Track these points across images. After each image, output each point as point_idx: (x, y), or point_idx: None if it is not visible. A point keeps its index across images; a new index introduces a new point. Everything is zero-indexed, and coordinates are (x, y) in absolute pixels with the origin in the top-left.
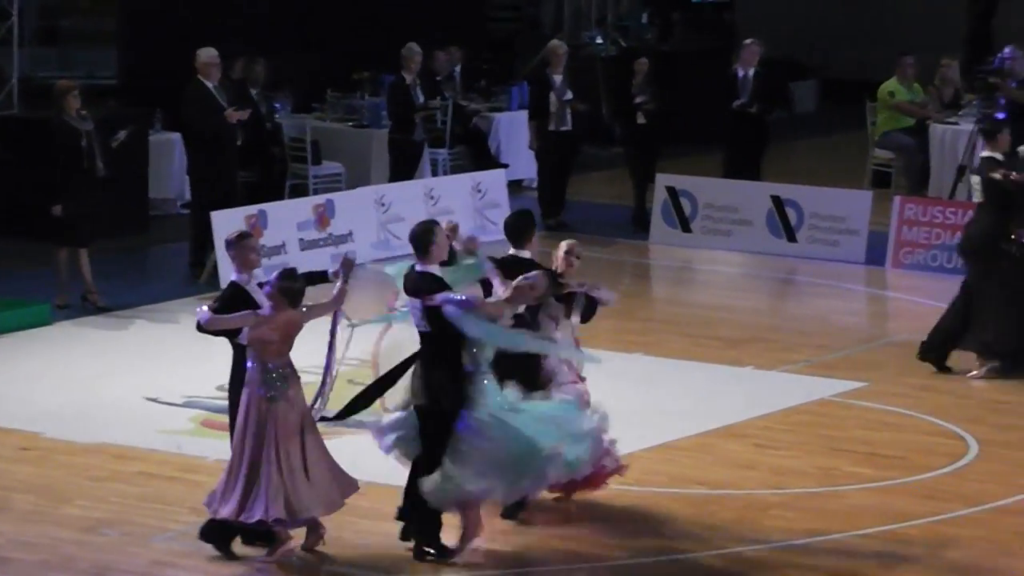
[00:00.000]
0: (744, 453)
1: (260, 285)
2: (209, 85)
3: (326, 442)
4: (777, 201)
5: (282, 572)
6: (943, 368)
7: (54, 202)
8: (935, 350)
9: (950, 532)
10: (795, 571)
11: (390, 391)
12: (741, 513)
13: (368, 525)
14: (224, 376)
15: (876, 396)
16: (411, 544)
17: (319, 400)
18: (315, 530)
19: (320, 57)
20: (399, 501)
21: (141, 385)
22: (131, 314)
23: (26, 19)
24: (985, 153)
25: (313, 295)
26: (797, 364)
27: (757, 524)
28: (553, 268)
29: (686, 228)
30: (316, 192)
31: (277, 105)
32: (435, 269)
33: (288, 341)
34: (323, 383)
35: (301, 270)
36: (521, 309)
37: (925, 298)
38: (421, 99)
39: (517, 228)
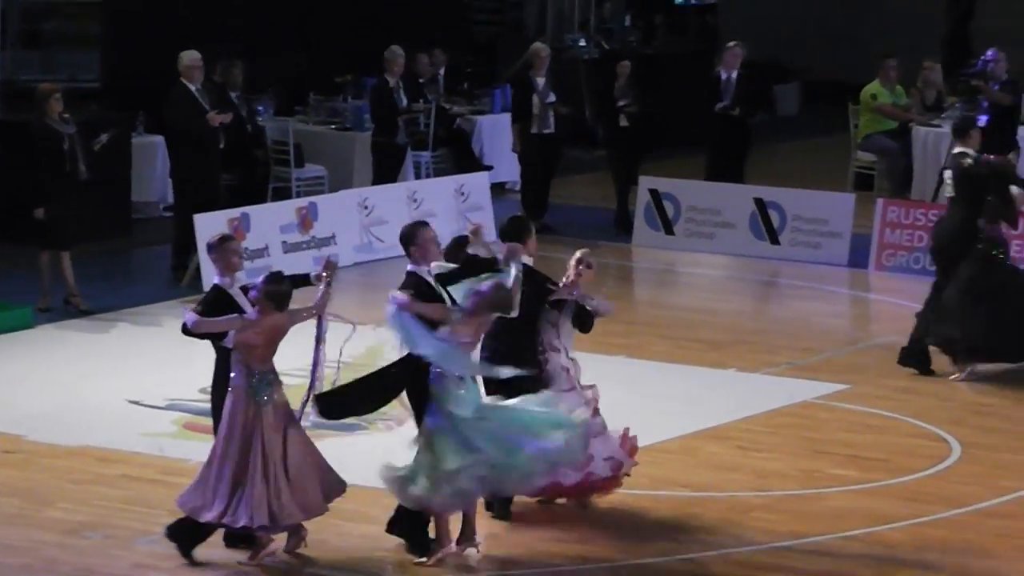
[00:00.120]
0: (727, 455)
1: (245, 289)
2: (192, 88)
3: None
4: (760, 204)
5: (265, 574)
6: (926, 371)
7: (36, 205)
8: (915, 355)
9: (933, 534)
10: (778, 573)
11: None
12: (724, 515)
13: (351, 528)
14: (207, 379)
15: (859, 398)
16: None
17: (309, 404)
18: (297, 533)
19: (303, 60)
20: (382, 503)
21: (124, 388)
22: (114, 317)
23: (9, 22)
24: (957, 149)
25: (295, 299)
26: (780, 366)
27: (740, 526)
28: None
29: (669, 231)
30: (299, 195)
31: (260, 108)
32: (421, 269)
33: (272, 346)
34: (311, 387)
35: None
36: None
37: (908, 300)
38: (404, 102)
39: (512, 233)
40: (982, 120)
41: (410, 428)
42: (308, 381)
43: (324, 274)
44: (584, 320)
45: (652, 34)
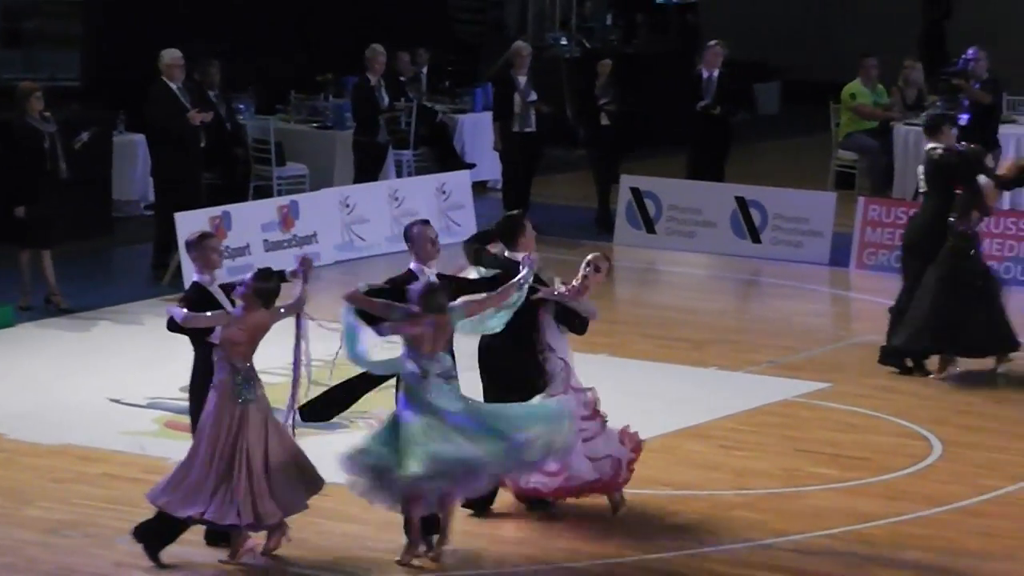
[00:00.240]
0: (708, 454)
1: (230, 286)
2: (173, 86)
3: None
4: (741, 202)
5: (245, 573)
6: (907, 370)
7: (17, 204)
8: (895, 354)
9: (913, 533)
10: (759, 571)
11: None
12: (705, 514)
13: (332, 526)
14: (187, 377)
15: (840, 397)
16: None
17: (293, 403)
18: (278, 531)
19: (284, 59)
20: (363, 502)
21: (104, 387)
22: (94, 315)
23: None
24: (929, 146)
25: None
26: (761, 365)
27: (721, 525)
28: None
29: (650, 229)
30: (280, 193)
31: (241, 107)
32: (419, 267)
33: (255, 343)
34: (294, 384)
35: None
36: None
37: (889, 299)
38: (386, 100)
39: (506, 230)
40: (963, 119)
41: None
42: (290, 379)
43: (300, 271)
44: (571, 320)
45: (633, 33)
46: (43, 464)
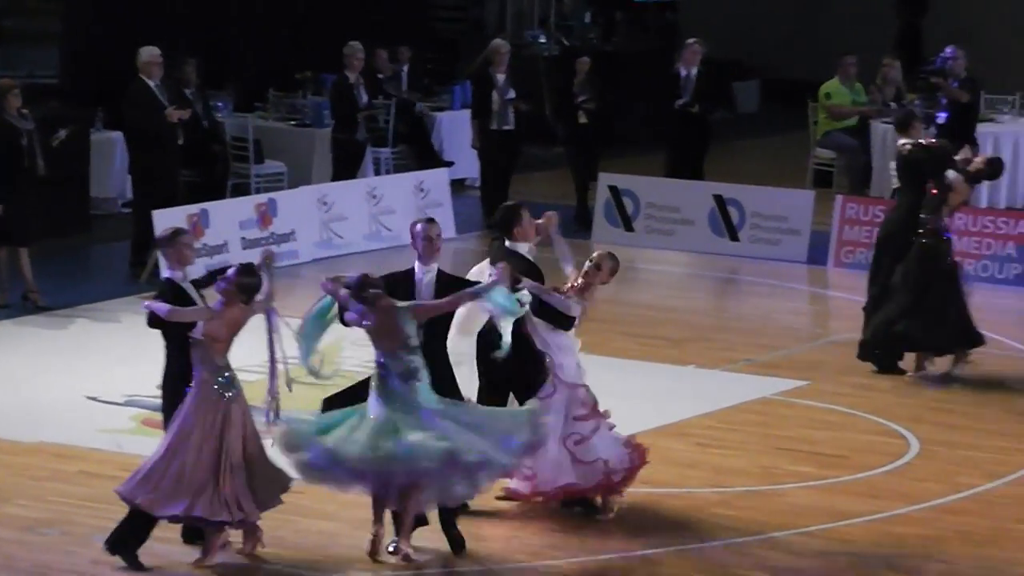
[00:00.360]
0: (686, 452)
1: (202, 281)
2: (151, 84)
3: (268, 440)
4: (719, 200)
5: (222, 572)
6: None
7: None
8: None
9: (891, 530)
10: (737, 570)
11: None
12: (683, 512)
13: (308, 524)
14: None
15: (818, 395)
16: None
17: (272, 401)
18: (253, 534)
19: (262, 56)
20: (340, 500)
21: (82, 384)
22: (72, 313)
23: None
24: (901, 142)
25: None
26: (739, 363)
27: (699, 523)
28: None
29: (629, 227)
30: (258, 191)
31: (220, 104)
32: (419, 266)
33: (232, 339)
34: (272, 381)
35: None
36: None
37: (867, 297)
38: (364, 98)
39: (502, 221)
40: (941, 117)
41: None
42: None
43: (262, 265)
44: (552, 316)
45: (612, 31)
46: (20, 462)
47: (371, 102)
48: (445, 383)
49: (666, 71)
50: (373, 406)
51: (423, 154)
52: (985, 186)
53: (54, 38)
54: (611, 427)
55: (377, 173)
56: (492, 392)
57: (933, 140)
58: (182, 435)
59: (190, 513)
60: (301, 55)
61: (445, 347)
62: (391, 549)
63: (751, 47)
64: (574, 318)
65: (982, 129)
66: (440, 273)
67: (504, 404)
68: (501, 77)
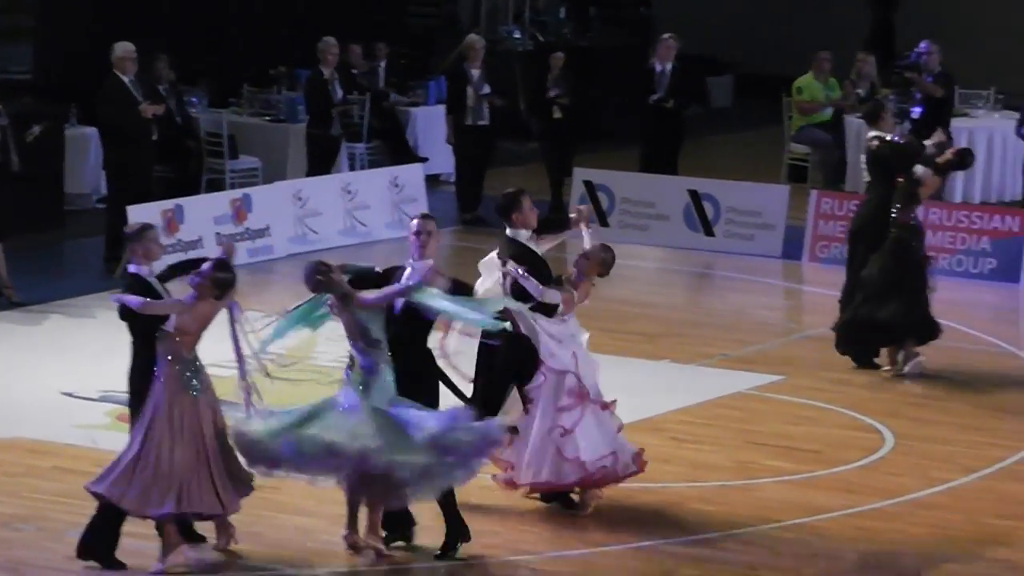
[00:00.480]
0: (662, 447)
1: (163, 276)
2: (125, 79)
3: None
4: (694, 195)
5: (199, 568)
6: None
7: None
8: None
9: (866, 525)
10: (712, 564)
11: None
12: (659, 507)
13: (284, 519)
14: None
15: (793, 390)
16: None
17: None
18: (226, 529)
19: (237, 51)
20: (316, 495)
21: (56, 380)
22: (46, 309)
23: None
24: (872, 134)
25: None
26: (714, 358)
27: (674, 517)
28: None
29: (603, 223)
30: (233, 187)
31: (194, 99)
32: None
33: (200, 333)
34: (241, 369)
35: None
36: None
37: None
38: (339, 93)
39: (501, 207)
40: (915, 112)
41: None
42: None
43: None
44: (538, 304)
45: (586, 26)
46: None
47: (346, 97)
48: (415, 386)
49: (640, 66)
50: (339, 396)
51: (397, 150)
52: (960, 181)
53: (28, 34)
54: (619, 427)
55: (352, 168)
56: (488, 384)
57: (900, 137)
58: (156, 429)
59: (183, 511)
60: (275, 50)
61: (420, 351)
62: (343, 534)
63: (725, 42)
64: (555, 305)
65: (956, 124)
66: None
67: (502, 395)
68: (476, 72)
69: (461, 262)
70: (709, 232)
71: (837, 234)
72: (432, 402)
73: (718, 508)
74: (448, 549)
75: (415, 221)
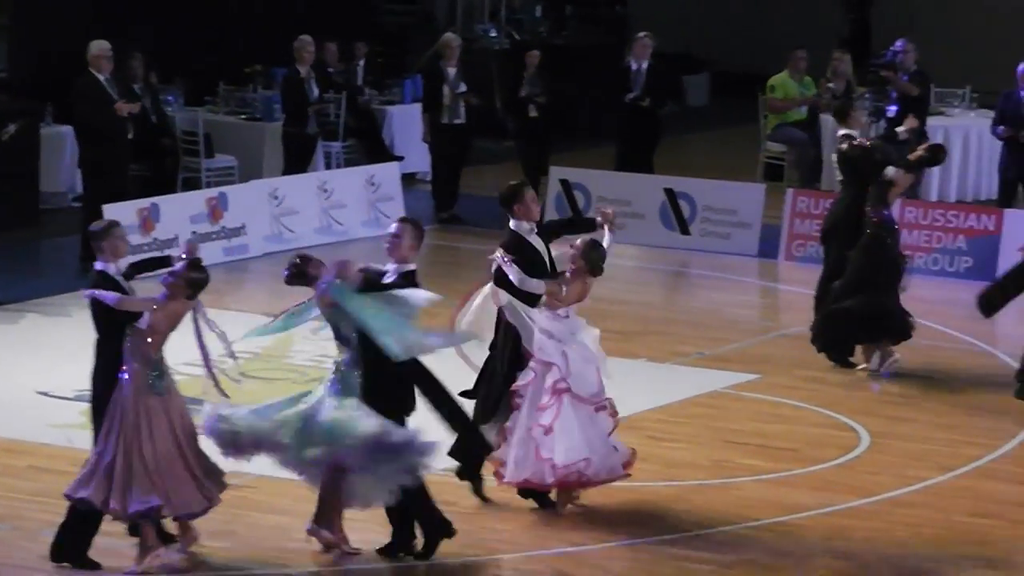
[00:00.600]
0: (638, 445)
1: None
2: (100, 78)
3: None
4: (670, 194)
5: (174, 567)
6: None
7: None
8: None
9: (842, 523)
10: (688, 563)
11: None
12: (635, 505)
13: (259, 518)
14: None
15: (768, 388)
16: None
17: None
18: (189, 530)
19: (212, 50)
20: (292, 494)
21: (32, 379)
22: (22, 308)
23: None
24: (841, 132)
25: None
26: (690, 356)
27: (650, 516)
28: None
29: None
30: (209, 185)
31: (170, 98)
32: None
33: (169, 333)
34: (207, 366)
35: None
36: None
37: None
38: (315, 92)
39: (503, 198)
40: (891, 111)
41: None
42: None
43: (186, 255)
44: (513, 290)
45: (562, 25)
46: None
47: (322, 96)
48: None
49: (616, 65)
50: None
51: (374, 148)
52: (936, 180)
53: (3, 32)
54: (610, 428)
55: (328, 167)
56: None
57: (868, 140)
58: (125, 431)
59: (176, 511)
60: (251, 49)
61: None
62: (307, 529)
63: (701, 40)
64: (537, 295)
65: (932, 122)
66: (408, 274)
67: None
68: (452, 71)
69: (437, 260)
70: (685, 231)
71: (813, 233)
72: (401, 408)
73: (694, 507)
74: (427, 549)
75: (395, 224)
